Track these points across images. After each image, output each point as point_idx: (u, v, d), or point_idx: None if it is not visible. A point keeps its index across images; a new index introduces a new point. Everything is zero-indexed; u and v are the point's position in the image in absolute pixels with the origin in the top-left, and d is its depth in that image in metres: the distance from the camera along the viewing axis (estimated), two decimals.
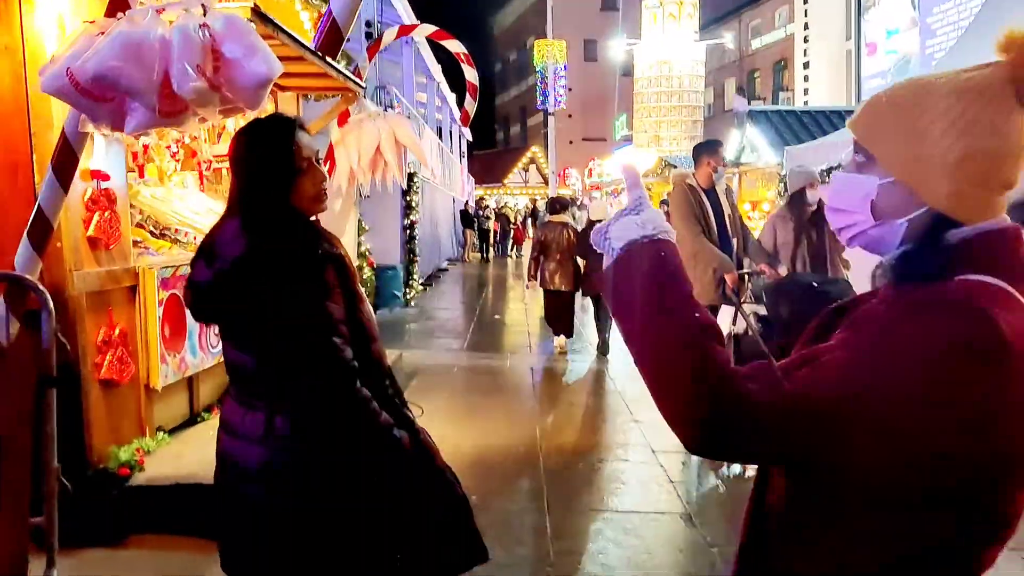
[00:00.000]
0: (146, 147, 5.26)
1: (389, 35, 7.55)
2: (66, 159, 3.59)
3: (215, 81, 3.27)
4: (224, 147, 6.54)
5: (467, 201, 29.61)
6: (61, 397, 3.80)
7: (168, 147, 5.34)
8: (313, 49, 5.67)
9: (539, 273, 9.72)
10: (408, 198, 13.13)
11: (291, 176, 2.40)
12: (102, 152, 4.18)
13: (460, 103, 10.09)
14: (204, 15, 3.32)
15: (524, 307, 14.17)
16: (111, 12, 3.57)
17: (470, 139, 35.95)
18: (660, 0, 31.11)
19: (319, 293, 2.20)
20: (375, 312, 11.12)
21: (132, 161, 5.19)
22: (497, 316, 13.12)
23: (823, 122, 15.83)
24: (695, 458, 5.80)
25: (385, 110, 12.92)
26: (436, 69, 23.05)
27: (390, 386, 2.41)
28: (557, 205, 10.18)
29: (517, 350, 10.26)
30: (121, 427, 4.36)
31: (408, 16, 15.93)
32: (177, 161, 5.45)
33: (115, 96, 3.22)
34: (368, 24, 14.00)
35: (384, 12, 14.84)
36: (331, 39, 3.10)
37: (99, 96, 3.21)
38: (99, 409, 4.16)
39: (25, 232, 3.63)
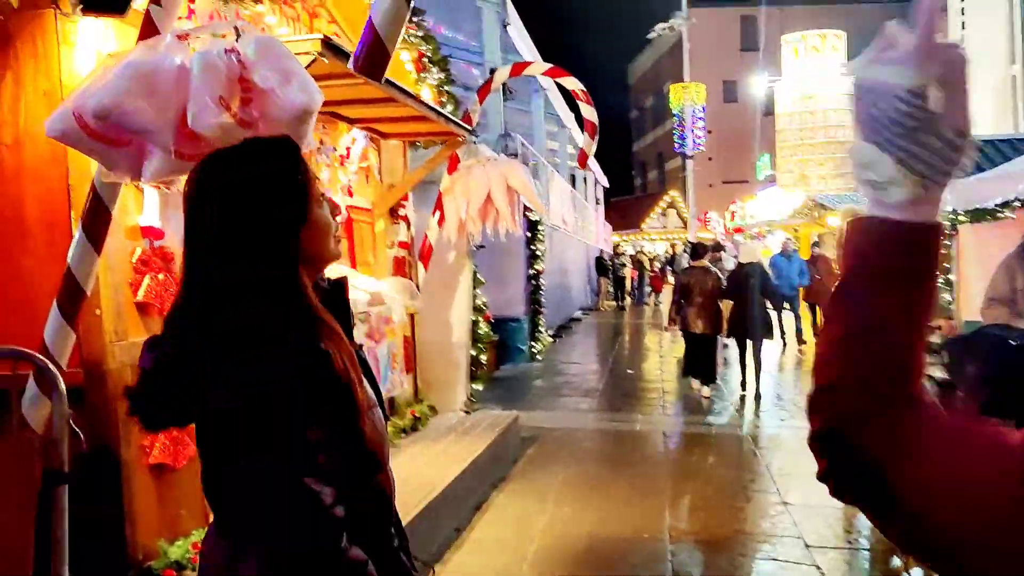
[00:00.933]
0: None
1: (501, 75, 7.00)
2: (97, 215, 3.10)
3: (245, 115, 2.69)
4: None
5: (602, 248, 28.85)
6: (100, 485, 3.31)
7: None
8: (406, 89, 5.13)
9: (680, 317, 9.73)
10: (532, 247, 12.53)
11: (304, 208, 1.67)
12: (155, 206, 3.70)
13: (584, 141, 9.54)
14: (237, 39, 2.76)
15: (659, 360, 13.23)
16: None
17: (606, 185, 35.29)
18: (802, 35, 29.75)
19: (297, 413, 1.49)
20: (497, 368, 10.49)
21: None
22: (630, 371, 12.24)
23: (991, 152, 14.27)
24: (860, 557, 4.78)
25: (510, 156, 12.43)
26: (568, 116, 22.59)
27: (396, 534, 1.68)
28: (699, 250, 10.42)
29: (650, 411, 9.37)
30: (177, 518, 3.82)
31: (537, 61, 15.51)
32: None
33: (130, 138, 2.69)
34: (492, 71, 13.60)
35: (510, 61, 14.43)
36: (374, 56, 2.46)
37: (111, 139, 2.68)
38: (146, 499, 3.63)
39: (55, 300, 3.16)
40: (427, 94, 6.43)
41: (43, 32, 3.42)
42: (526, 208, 12.26)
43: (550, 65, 7.13)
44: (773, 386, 10.63)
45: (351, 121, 5.72)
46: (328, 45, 3.89)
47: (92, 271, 3.17)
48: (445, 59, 6.21)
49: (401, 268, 6.71)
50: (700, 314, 9.53)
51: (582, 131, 7.21)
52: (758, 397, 9.70)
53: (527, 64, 7.39)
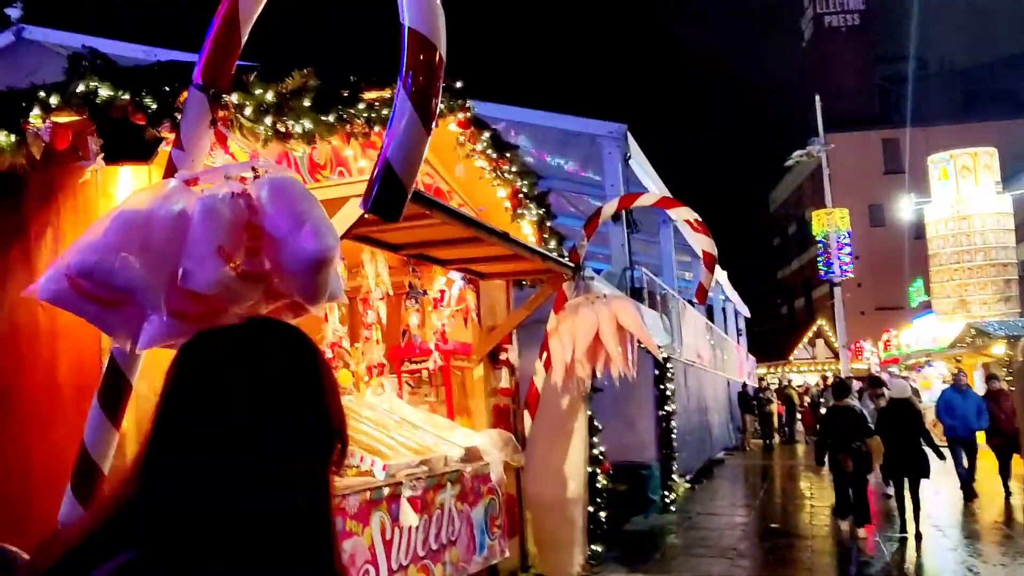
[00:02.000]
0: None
1: (608, 209, 6.59)
2: (114, 385, 2.76)
3: (252, 267, 2.30)
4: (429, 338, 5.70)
5: (745, 382, 27.45)
6: None
7: (355, 345, 4.52)
8: (490, 227, 4.74)
9: (829, 458, 9.92)
10: (661, 386, 11.77)
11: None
12: None
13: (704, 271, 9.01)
14: (253, 178, 2.40)
15: (810, 509, 11.96)
16: None
17: (747, 315, 34.05)
18: (950, 154, 28.36)
19: None
20: (626, 521, 9.61)
21: None
22: (774, 525, 11.06)
23: None
24: None
25: (635, 290, 11.89)
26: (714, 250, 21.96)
27: None
28: (843, 389, 10.39)
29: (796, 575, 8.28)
30: None
31: (663, 192, 15.14)
32: (376, 368, 4.61)
33: (123, 298, 2.33)
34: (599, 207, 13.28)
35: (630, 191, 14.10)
36: (389, 194, 2.02)
37: (104, 299, 2.33)
38: None
39: (69, 481, 2.80)
40: (527, 231, 6.05)
41: (83, 184, 3.21)
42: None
43: (660, 195, 6.66)
44: (939, 538, 9.32)
45: (443, 263, 5.37)
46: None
47: (111, 448, 2.81)
48: (543, 194, 5.85)
49: (504, 418, 6.19)
50: (848, 455, 9.50)
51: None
52: (919, 537, 9.15)
53: (636, 196, 6.95)
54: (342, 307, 4.45)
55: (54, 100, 2.72)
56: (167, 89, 2.68)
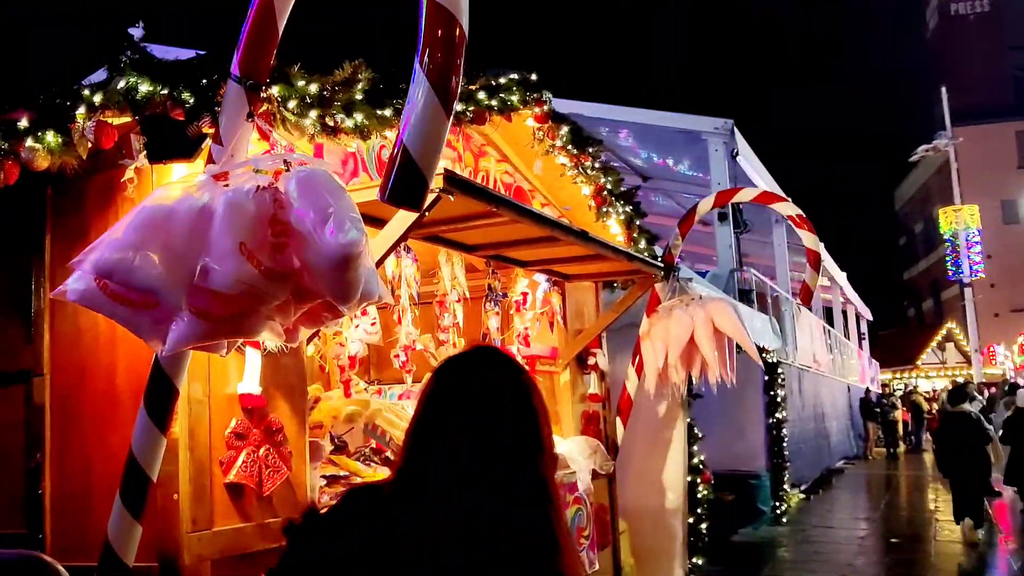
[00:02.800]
0: (353, 359, 4.36)
1: (704, 207, 6.27)
2: (159, 390, 2.68)
3: (279, 264, 2.17)
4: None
5: (868, 388, 26.20)
6: None
7: (396, 355, 4.39)
8: (566, 225, 4.53)
9: (943, 464, 10.25)
10: (772, 392, 11.24)
11: None
12: (255, 369, 3.25)
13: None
14: (285, 170, 2.28)
15: (934, 522, 11.21)
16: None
17: (870, 318, 32.56)
18: None
19: None
20: (733, 533, 9.19)
21: (339, 375, 4.33)
22: (895, 539, 10.39)
23: None
24: None
25: (743, 292, 11.45)
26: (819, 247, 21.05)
27: None
28: (958, 396, 10.22)
29: None
30: None
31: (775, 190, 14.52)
32: (408, 372, 4.47)
33: (150, 299, 2.24)
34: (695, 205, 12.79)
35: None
36: (407, 181, 1.85)
37: (132, 300, 2.24)
38: None
39: (118, 491, 2.74)
40: (616, 231, 5.79)
41: (139, 185, 3.17)
42: (762, 350, 11.13)
43: (760, 190, 6.29)
44: None
45: (524, 264, 5.18)
46: (454, 180, 3.37)
47: (158, 454, 2.73)
48: (630, 191, 5.58)
49: (593, 425, 5.94)
50: (966, 463, 9.52)
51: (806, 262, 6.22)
52: None
53: (734, 191, 6.59)
54: (414, 309, 4.31)
55: (98, 98, 2.66)
56: (205, 82, 2.58)
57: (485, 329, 5.09)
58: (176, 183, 2.28)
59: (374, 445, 4.56)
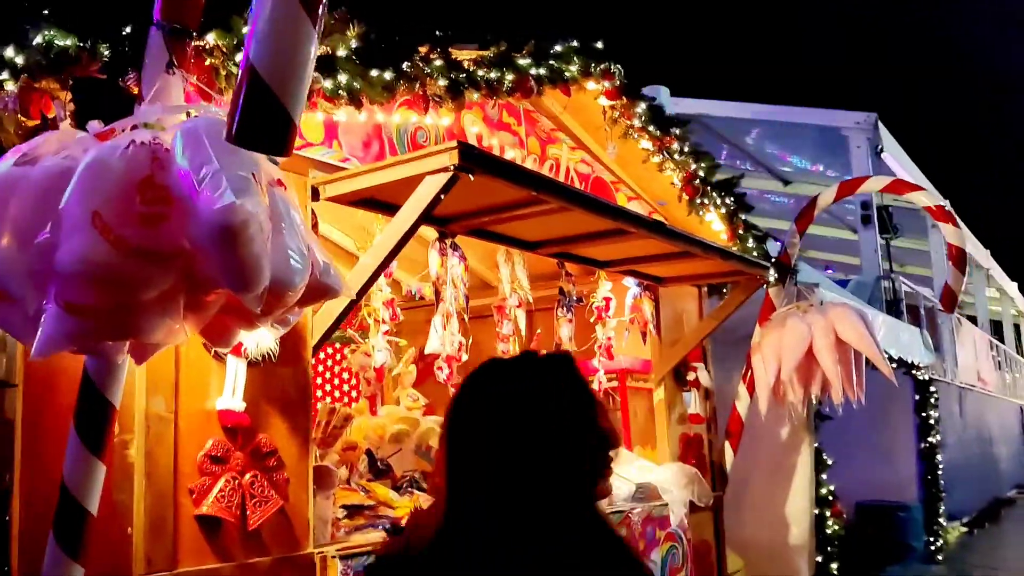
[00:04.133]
0: (380, 371, 3.82)
1: (825, 198, 5.44)
2: (90, 405, 2.23)
3: (152, 241, 1.66)
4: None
5: None
6: None
7: (439, 368, 3.83)
8: (641, 216, 3.88)
9: None
10: (924, 413, 10.02)
11: None
12: (240, 381, 2.77)
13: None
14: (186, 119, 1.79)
15: None
16: None
17: None
18: None
19: None
20: (880, 572, 8.13)
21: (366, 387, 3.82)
22: None
23: None
24: None
25: (891, 303, 10.32)
26: (985, 255, 19.17)
27: None
28: None
29: None
30: None
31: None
32: (454, 387, 3.90)
33: (5, 291, 1.78)
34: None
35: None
36: (258, 116, 1.28)
37: None
38: None
39: (51, 526, 2.30)
40: (718, 227, 5.07)
41: None
42: (912, 366, 9.96)
43: (891, 179, 5.40)
44: None
45: (600, 264, 4.54)
46: (472, 155, 2.80)
47: (94, 483, 2.26)
48: (731, 180, 4.83)
49: (694, 450, 5.21)
50: None
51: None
52: None
53: (859, 181, 5.69)
54: (464, 315, 3.75)
55: (20, 59, 2.25)
56: (125, 32, 2.13)
57: (557, 339, 4.48)
58: (36, 141, 1.81)
59: (424, 469, 4.03)
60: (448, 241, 3.73)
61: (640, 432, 5.19)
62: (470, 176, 2.79)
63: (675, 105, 12.66)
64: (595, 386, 4.85)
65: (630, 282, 5.01)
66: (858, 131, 11.50)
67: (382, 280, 3.59)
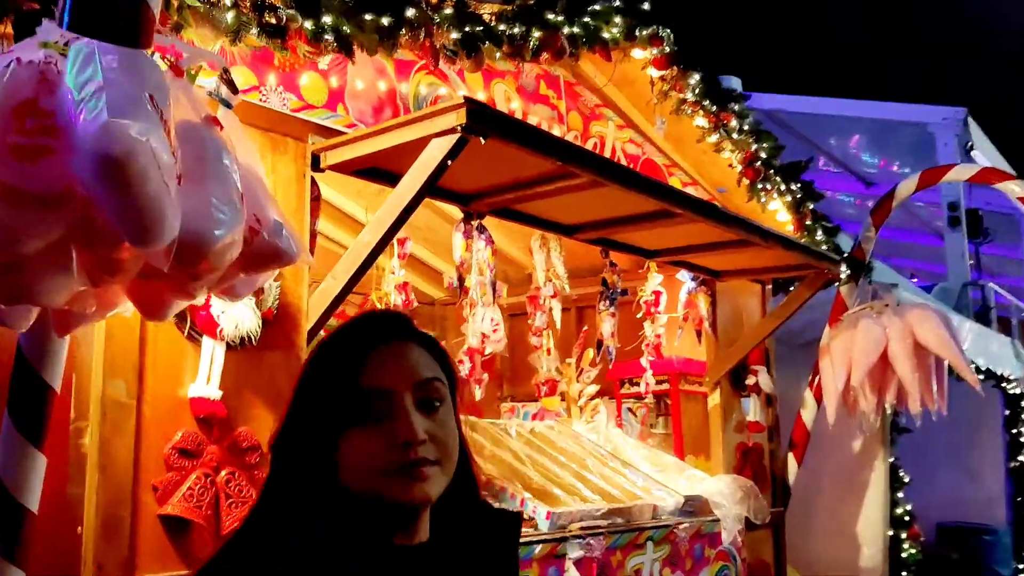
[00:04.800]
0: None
1: (905, 189, 4.98)
2: (25, 387, 1.95)
3: (28, 180, 1.36)
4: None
5: None
6: None
7: (460, 361, 3.49)
8: (691, 197, 3.49)
9: None
10: (1015, 430, 9.27)
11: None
12: (216, 365, 2.46)
13: None
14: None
15: None
16: None
17: None
18: None
19: None
20: None
21: None
22: None
23: None
24: None
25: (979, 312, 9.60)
26: None
27: None
28: None
29: None
30: None
31: None
32: (478, 382, 3.55)
33: None
34: (953, 207, 10.92)
35: (975, 194, 11.44)
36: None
37: None
38: None
39: None
40: (783, 217, 4.61)
41: None
42: (1002, 379, 9.23)
43: (980, 167, 4.88)
44: None
45: (650, 255, 4.14)
46: (484, 114, 2.46)
47: (32, 475, 1.99)
48: (798, 165, 4.37)
49: (753, 461, 4.76)
50: None
51: None
52: None
53: (944, 169, 5.17)
54: (494, 303, 3.41)
55: None
56: None
57: (599, 335, 4.10)
58: None
59: None
60: (475, 223, 3.39)
61: (693, 439, 4.77)
62: (481, 139, 2.45)
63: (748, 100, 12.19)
64: (641, 388, 4.46)
65: (684, 276, 4.60)
66: (945, 127, 10.77)
67: (395, 262, 3.26)
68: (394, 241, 3.32)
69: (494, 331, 4.78)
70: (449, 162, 2.47)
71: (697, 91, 3.73)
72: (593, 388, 4.80)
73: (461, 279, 3.35)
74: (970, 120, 10.67)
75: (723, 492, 4.40)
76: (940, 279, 12.25)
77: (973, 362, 7.67)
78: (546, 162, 2.75)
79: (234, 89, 1.85)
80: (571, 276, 4.11)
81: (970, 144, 10.59)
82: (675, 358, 4.70)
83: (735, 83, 8.91)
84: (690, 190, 4.49)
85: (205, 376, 2.42)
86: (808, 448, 5.16)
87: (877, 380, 4.67)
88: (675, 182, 4.44)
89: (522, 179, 3.01)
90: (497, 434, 4.08)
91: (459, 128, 2.39)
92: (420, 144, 2.51)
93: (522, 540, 3.20)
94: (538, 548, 3.29)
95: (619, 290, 4.12)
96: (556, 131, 3.74)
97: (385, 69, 2.97)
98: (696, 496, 4.22)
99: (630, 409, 4.95)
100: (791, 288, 5.18)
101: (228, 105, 1.78)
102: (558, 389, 4.77)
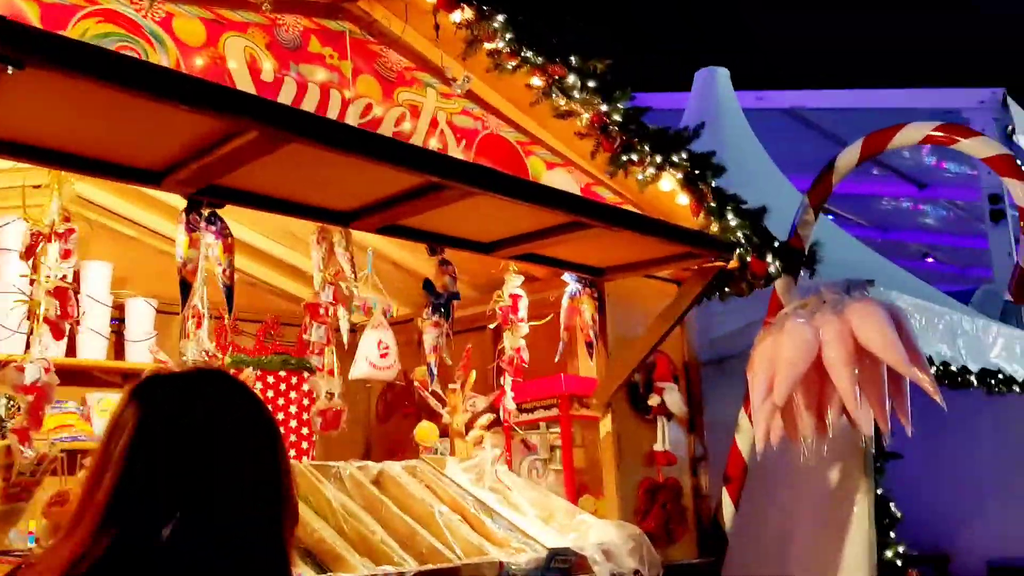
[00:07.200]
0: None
1: (845, 160, 4.04)
2: None
3: None
4: None
5: None
6: None
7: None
8: (455, 161, 2.72)
9: None
10: None
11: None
12: None
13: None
14: None
15: None
16: None
17: None
18: None
19: None
20: None
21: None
22: None
23: None
24: None
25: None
26: None
27: None
28: None
29: None
30: None
31: None
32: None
33: None
34: (994, 199, 9.72)
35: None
36: None
37: None
38: None
39: None
40: (684, 200, 3.74)
41: None
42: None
43: (936, 123, 3.93)
44: None
45: (481, 249, 3.35)
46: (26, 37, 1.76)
47: None
48: (681, 133, 3.49)
49: (662, 500, 3.86)
50: None
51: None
52: None
53: (892, 131, 4.19)
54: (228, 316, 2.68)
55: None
56: None
57: (423, 353, 3.30)
58: None
59: None
60: (205, 212, 2.69)
61: (593, 476, 3.91)
62: (8, 69, 1.74)
63: (760, 99, 11.18)
64: (502, 416, 3.65)
65: (569, 278, 3.80)
66: (983, 111, 9.63)
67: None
68: None
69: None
70: None
71: (504, 34, 2.94)
72: (487, 418, 4.02)
73: (184, 284, 2.63)
74: (1010, 101, 9.52)
75: (615, 540, 3.54)
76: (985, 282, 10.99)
77: (1010, 373, 6.60)
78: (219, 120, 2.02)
79: None
80: (483, 291, 3.47)
81: (1011, 127, 9.43)
82: (564, 376, 3.87)
83: (720, 74, 8.02)
84: (558, 172, 3.69)
85: None
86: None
87: (813, 394, 3.75)
88: (536, 162, 3.64)
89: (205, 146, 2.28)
90: (315, 481, 3.32)
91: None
92: None
93: None
94: None
95: (453, 292, 3.34)
96: (336, 97, 3.02)
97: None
98: (565, 549, 3.36)
99: (523, 441, 4.13)
100: (726, 289, 4.29)
101: None
102: (442, 421, 4.04)
